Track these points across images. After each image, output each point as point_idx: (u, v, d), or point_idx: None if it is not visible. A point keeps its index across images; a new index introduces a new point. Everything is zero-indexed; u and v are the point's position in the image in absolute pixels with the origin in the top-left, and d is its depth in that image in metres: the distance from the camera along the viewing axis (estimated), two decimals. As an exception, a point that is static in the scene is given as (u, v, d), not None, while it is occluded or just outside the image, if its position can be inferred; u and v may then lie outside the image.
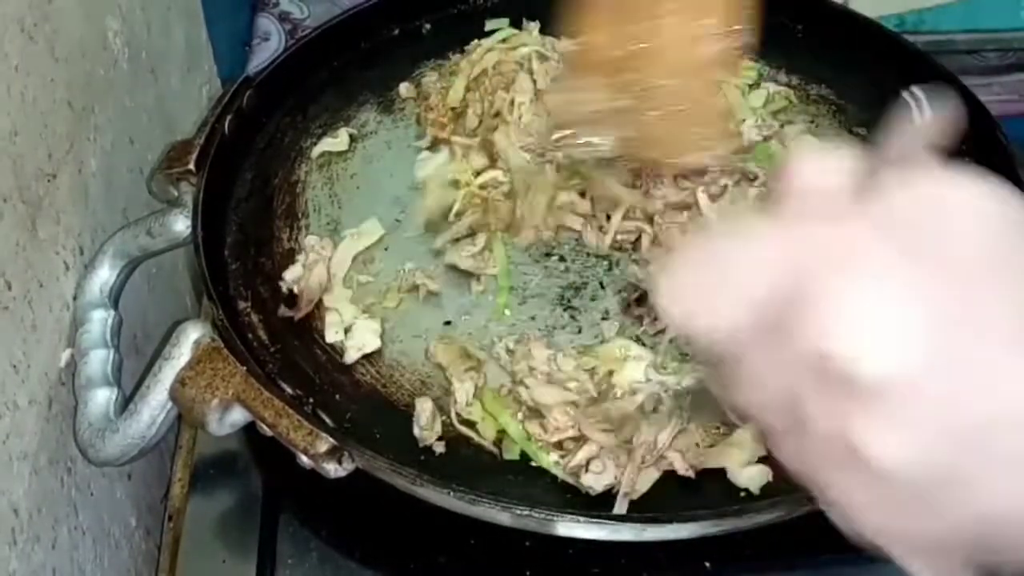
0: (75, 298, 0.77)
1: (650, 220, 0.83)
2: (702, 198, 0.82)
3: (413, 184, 0.91)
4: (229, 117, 0.90)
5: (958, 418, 0.33)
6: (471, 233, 0.85)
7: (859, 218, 0.35)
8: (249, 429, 0.72)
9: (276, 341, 0.81)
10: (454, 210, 0.87)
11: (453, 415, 0.75)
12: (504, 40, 1.01)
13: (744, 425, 0.70)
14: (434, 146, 0.95)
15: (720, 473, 0.72)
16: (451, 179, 0.89)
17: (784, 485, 0.69)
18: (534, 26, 1.02)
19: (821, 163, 0.37)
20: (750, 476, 0.71)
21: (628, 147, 0.77)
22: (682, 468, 0.72)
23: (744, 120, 0.93)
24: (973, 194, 0.34)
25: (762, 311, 0.36)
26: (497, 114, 0.93)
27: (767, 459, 0.71)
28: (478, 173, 0.88)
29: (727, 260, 0.37)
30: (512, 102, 0.93)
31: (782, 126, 0.93)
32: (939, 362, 0.33)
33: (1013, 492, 0.34)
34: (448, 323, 0.81)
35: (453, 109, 0.96)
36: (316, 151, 0.95)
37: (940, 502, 0.35)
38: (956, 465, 0.34)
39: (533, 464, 0.73)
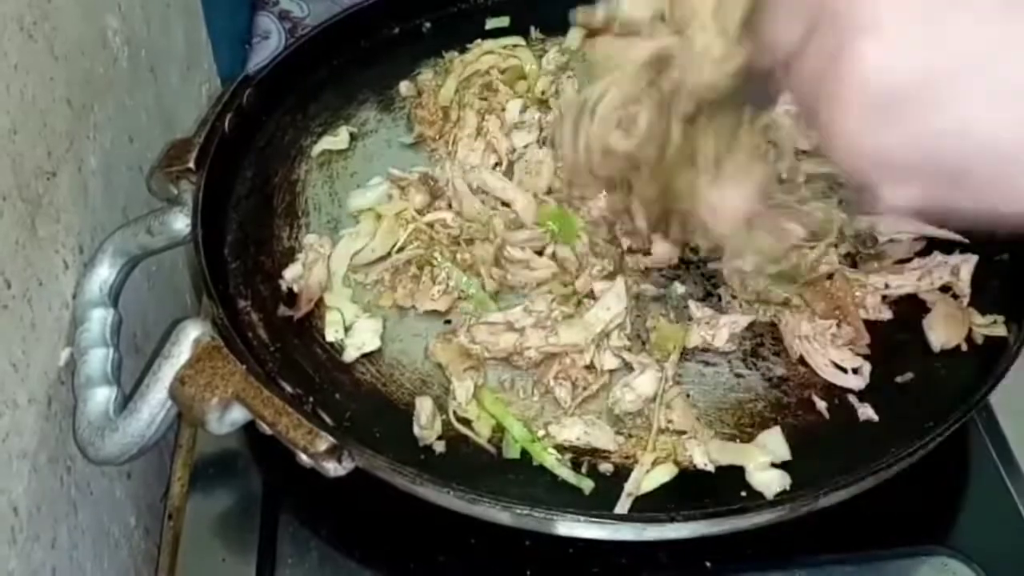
0: (75, 297, 0.77)
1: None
2: None
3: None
4: (229, 115, 0.90)
5: (931, 46, 0.39)
6: (412, 266, 0.84)
7: None
8: (249, 428, 0.72)
9: (276, 340, 0.81)
10: (397, 244, 0.85)
11: (451, 413, 0.75)
12: (505, 47, 1.01)
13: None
14: (419, 143, 0.95)
15: (724, 475, 0.72)
16: (394, 213, 0.86)
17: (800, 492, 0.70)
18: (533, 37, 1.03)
19: None
20: (767, 480, 0.71)
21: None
22: (701, 462, 0.72)
23: None
24: None
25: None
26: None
27: (786, 464, 0.72)
28: (421, 211, 0.86)
29: None
30: (454, 139, 0.93)
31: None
32: None
33: (967, 116, 0.40)
34: (448, 322, 0.81)
35: (444, 108, 0.96)
36: (316, 149, 0.95)
37: (908, 113, 0.40)
38: (924, 81, 0.40)
39: (533, 463, 0.73)
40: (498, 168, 0.90)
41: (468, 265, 0.83)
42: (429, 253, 0.84)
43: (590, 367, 0.77)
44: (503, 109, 0.95)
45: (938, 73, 0.39)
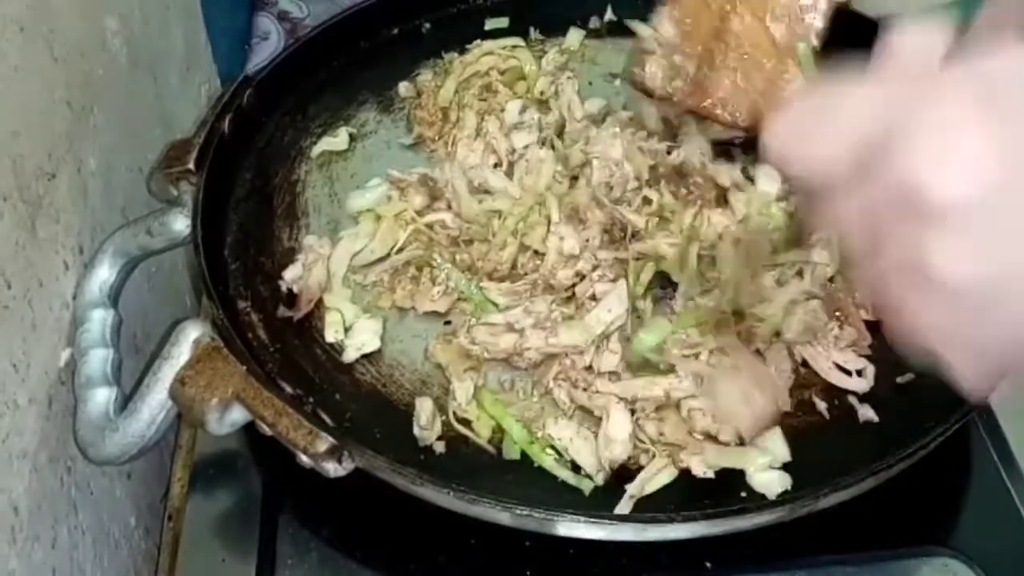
0: (75, 297, 0.77)
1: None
2: None
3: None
4: (229, 116, 0.90)
5: (1016, 243, 0.39)
6: (411, 267, 0.84)
7: (948, 76, 0.41)
8: (249, 429, 0.72)
9: (276, 340, 0.81)
10: (397, 245, 0.85)
11: (451, 414, 0.75)
12: (504, 47, 1.01)
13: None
14: (418, 144, 0.95)
15: (725, 476, 0.72)
16: (394, 214, 0.87)
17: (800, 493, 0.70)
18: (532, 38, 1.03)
19: (917, 31, 0.43)
20: (768, 481, 0.71)
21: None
22: (699, 471, 0.72)
23: None
24: None
25: (856, 151, 0.42)
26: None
27: (786, 465, 0.72)
28: (420, 212, 0.87)
29: (830, 107, 0.44)
30: (453, 139, 0.93)
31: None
32: (1005, 194, 0.38)
33: None
34: (448, 323, 0.81)
35: (443, 109, 0.96)
36: (316, 150, 0.95)
37: (993, 312, 0.41)
38: (1009, 280, 0.40)
39: (533, 464, 0.73)
40: (498, 168, 0.90)
41: (467, 266, 0.83)
42: (428, 254, 0.84)
43: (589, 368, 0.77)
44: (502, 110, 0.95)
45: (1015, 272, 0.40)
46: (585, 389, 0.75)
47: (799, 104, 0.46)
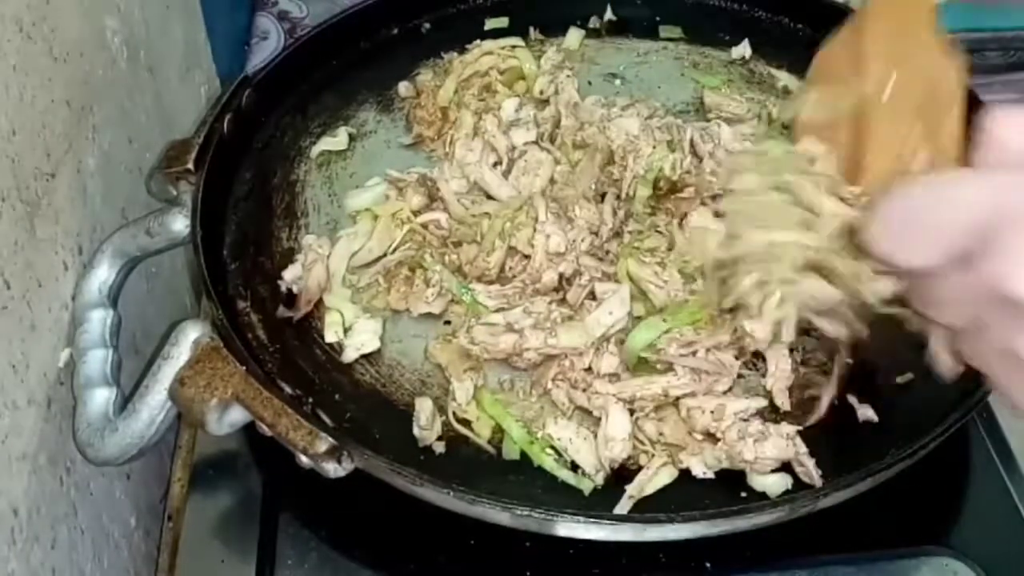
0: (74, 298, 0.77)
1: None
2: None
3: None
4: (228, 116, 0.90)
5: None
6: (404, 268, 0.83)
7: None
8: (249, 429, 0.72)
9: (275, 341, 0.81)
10: (392, 245, 0.85)
11: (451, 414, 0.75)
12: (504, 47, 1.01)
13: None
14: (418, 144, 0.95)
15: (725, 476, 0.72)
16: (390, 214, 0.86)
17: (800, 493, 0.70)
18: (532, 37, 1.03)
19: (1020, 119, 0.43)
20: (769, 482, 0.71)
21: None
22: (699, 472, 0.72)
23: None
24: None
25: (960, 244, 0.43)
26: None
27: (786, 465, 0.72)
28: (417, 212, 0.86)
29: (932, 201, 0.44)
30: (451, 139, 0.93)
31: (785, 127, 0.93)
32: None
33: None
34: (447, 323, 0.81)
35: (442, 109, 0.96)
36: (315, 150, 0.95)
37: None
38: None
39: (533, 464, 0.73)
40: (498, 167, 0.90)
41: (456, 267, 0.83)
42: (420, 255, 0.83)
43: (588, 369, 0.77)
44: (500, 108, 0.95)
45: None
46: (584, 390, 0.75)
47: (903, 195, 0.46)
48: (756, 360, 0.78)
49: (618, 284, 0.79)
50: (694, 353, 0.75)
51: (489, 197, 0.88)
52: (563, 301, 0.80)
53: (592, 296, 0.79)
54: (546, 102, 0.96)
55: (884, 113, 0.68)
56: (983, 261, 0.42)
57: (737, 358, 0.76)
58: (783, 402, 0.75)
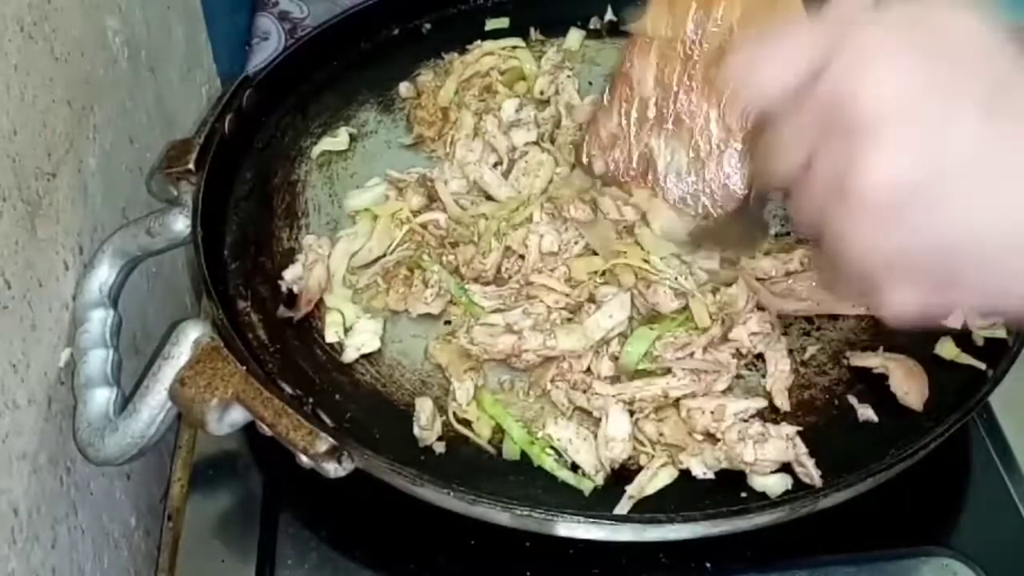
0: (74, 297, 0.77)
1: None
2: None
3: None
4: (229, 116, 0.90)
5: (930, 151, 0.43)
6: (403, 268, 0.83)
7: (879, 15, 0.46)
8: (249, 429, 0.72)
9: (276, 341, 0.81)
10: (391, 245, 0.85)
11: (451, 414, 0.75)
12: (505, 48, 1.01)
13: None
14: (418, 144, 0.95)
15: (725, 476, 0.72)
16: (390, 214, 0.86)
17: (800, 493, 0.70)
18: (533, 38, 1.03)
19: None
20: (769, 483, 0.71)
21: None
22: (699, 472, 0.72)
23: None
24: (966, 14, 0.45)
25: (797, 79, 0.47)
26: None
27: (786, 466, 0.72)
28: (416, 212, 0.86)
29: (779, 41, 0.49)
30: (451, 139, 0.93)
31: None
32: (922, 110, 0.43)
33: (957, 217, 0.44)
34: (448, 323, 0.81)
35: (443, 109, 0.96)
36: (316, 150, 0.95)
37: (908, 216, 0.45)
38: (920, 185, 0.44)
39: (533, 464, 0.73)
40: (499, 167, 0.90)
41: (453, 268, 0.83)
42: (418, 255, 0.83)
43: (588, 371, 0.76)
44: (500, 109, 0.95)
45: (932, 178, 0.44)
46: (584, 391, 0.75)
47: (754, 40, 0.51)
48: (757, 361, 0.78)
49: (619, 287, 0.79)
50: (691, 355, 0.75)
51: (489, 198, 0.88)
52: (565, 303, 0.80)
53: (591, 299, 0.79)
54: (546, 102, 0.96)
55: None
56: (817, 84, 0.46)
57: (735, 357, 0.76)
58: (783, 403, 0.75)
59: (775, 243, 0.83)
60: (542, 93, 0.97)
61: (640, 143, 0.82)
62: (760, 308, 0.79)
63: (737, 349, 0.77)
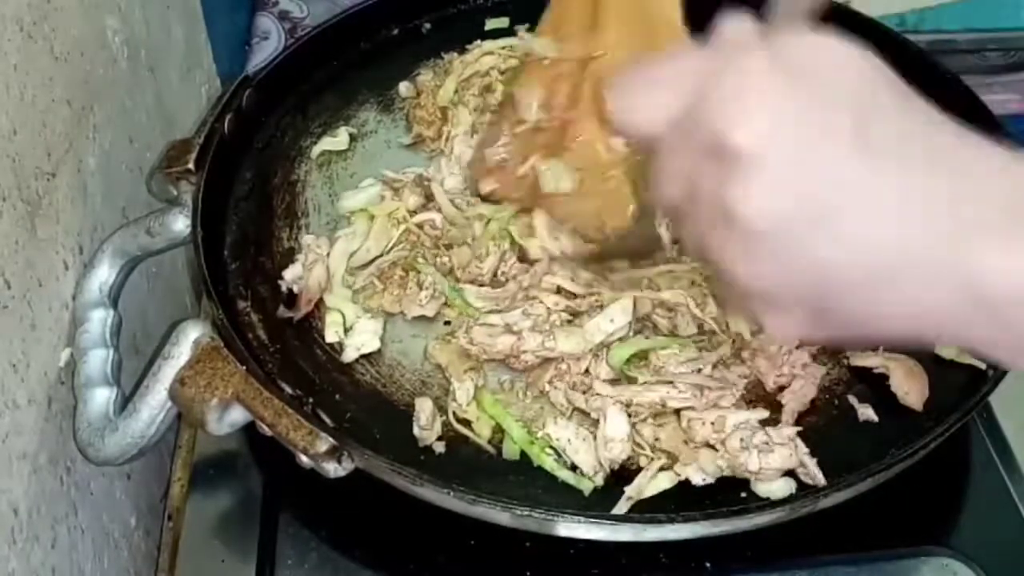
0: (74, 297, 0.77)
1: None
2: None
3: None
4: (229, 116, 0.90)
5: (800, 184, 0.44)
6: (398, 269, 0.83)
7: (756, 50, 0.46)
8: (249, 429, 0.72)
9: (276, 341, 0.81)
10: (388, 245, 0.85)
11: (451, 414, 0.75)
12: (505, 47, 1.01)
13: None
14: (418, 144, 0.95)
15: (726, 477, 0.72)
16: (387, 213, 0.86)
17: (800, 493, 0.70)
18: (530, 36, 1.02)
19: (735, 20, 0.49)
20: (775, 488, 0.71)
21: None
22: (698, 480, 0.71)
23: None
24: (846, 46, 0.46)
25: (675, 112, 0.47)
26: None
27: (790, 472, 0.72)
28: (413, 212, 0.86)
29: (656, 73, 0.50)
30: (447, 136, 0.93)
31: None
32: (795, 143, 0.44)
33: (836, 252, 0.45)
34: (447, 323, 0.81)
35: (442, 108, 0.96)
36: (316, 150, 0.95)
37: (783, 251, 0.45)
38: (796, 222, 0.44)
39: (533, 464, 0.73)
40: None
41: (448, 270, 0.83)
42: (413, 256, 0.83)
43: (586, 372, 0.76)
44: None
45: (803, 210, 0.44)
46: (584, 392, 0.75)
47: (633, 65, 0.51)
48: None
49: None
50: (699, 370, 0.75)
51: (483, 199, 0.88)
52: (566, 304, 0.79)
53: (600, 306, 0.79)
54: None
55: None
56: (692, 118, 0.46)
57: (743, 378, 0.76)
58: (788, 418, 0.74)
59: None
60: None
61: (526, 165, 0.82)
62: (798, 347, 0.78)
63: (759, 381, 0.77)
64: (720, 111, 0.45)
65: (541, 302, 0.78)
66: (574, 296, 0.79)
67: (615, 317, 0.77)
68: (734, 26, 0.49)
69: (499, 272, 0.82)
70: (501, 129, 0.84)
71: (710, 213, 0.47)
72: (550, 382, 0.76)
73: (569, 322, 0.78)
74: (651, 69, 0.50)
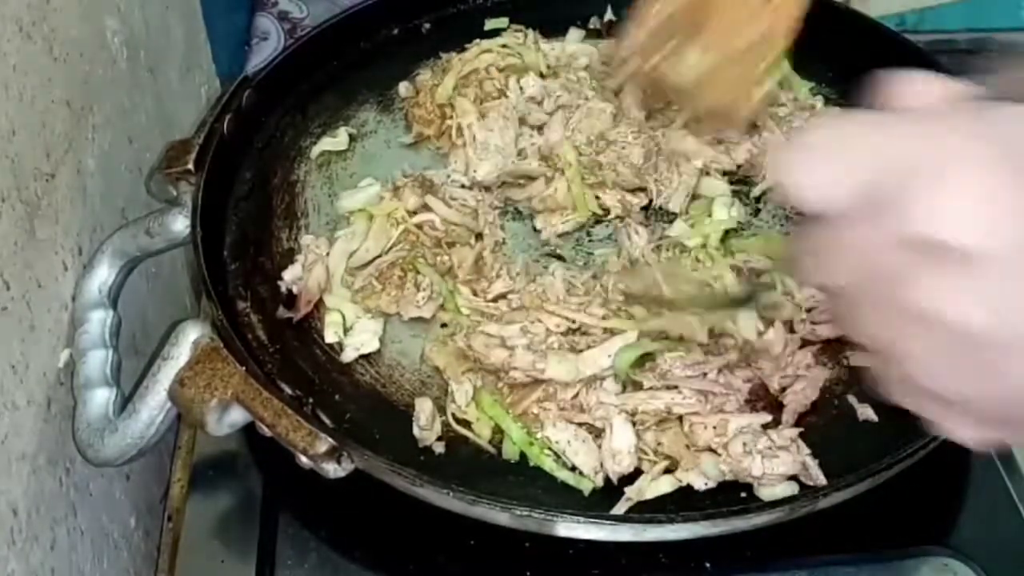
0: (74, 298, 0.77)
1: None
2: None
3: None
4: (228, 117, 0.90)
5: (1012, 302, 0.39)
6: (397, 269, 0.83)
7: (966, 126, 0.41)
8: (248, 429, 0.72)
9: (275, 341, 0.81)
10: (387, 245, 0.85)
11: (450, 415, 0.75)
12: (504, 45, 1.01)
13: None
14: (418, 143, 0.95)
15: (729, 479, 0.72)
16: (386, 214, 0.86)
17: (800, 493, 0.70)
18: (533, 35, 1.03)
19: (925, 77, 0.44)
20: (778, 491, 0.71)
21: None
22: (700, 485, 0.71)
23: None
24: None
25: (865, 190, 0.42)
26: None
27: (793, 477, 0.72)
28: (413, 212, 0.86)
29: (842, 140, 0.44)
30: (459, 127, 0.93)
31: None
32: (1013, 251, 0.39)
33: None
34: (444, 326, 0.81)
35: (441, 107, 0.96)
36: (315, 150, 0.95)
37: (979, 367, 0.41)
38: (1000, 340, 0.40)
39: (533, 464, 0.73)
40: (529, 133, 0.92)
41: (446, 269, 0.83)
42: (413, 256, 0.83)
43: (575, 398, 0.75)
44: (498, 94, 0.96)
45: (1009, 331, 0.40)
46: (584, 410, 0.74)
47: (811, 133, 0.46)
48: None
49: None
50: (703, 375, 0.75)
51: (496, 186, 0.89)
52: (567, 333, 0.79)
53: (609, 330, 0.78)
54: (556, 74, 0.98)
55: None
56: (897, 203, 0.41)
57: (747, 383, 0.76)
58: (789, 419, 0.74)
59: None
60: (549, 67, 0.98)
61: (665, 48, 0.82)
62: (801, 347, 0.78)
63: (765, 387, 0.76)
64: (933, 201, 0.40)
65: (541, 321, 0.78)
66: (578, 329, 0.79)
67: (612, 352, 0.75)
68: (930, 89, 0.44)
69: (507, 296, 0.82)
70: (646, 10, 0.82)
71: (896, 305, 0.42)
72: (538, 403, 0.75)
73: (571, 349, 0.76)
74: (838, 131, 0.45)
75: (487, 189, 0.89)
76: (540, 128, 0.93)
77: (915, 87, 0.44)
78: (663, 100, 0.88)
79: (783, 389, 0.76)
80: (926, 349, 0.42)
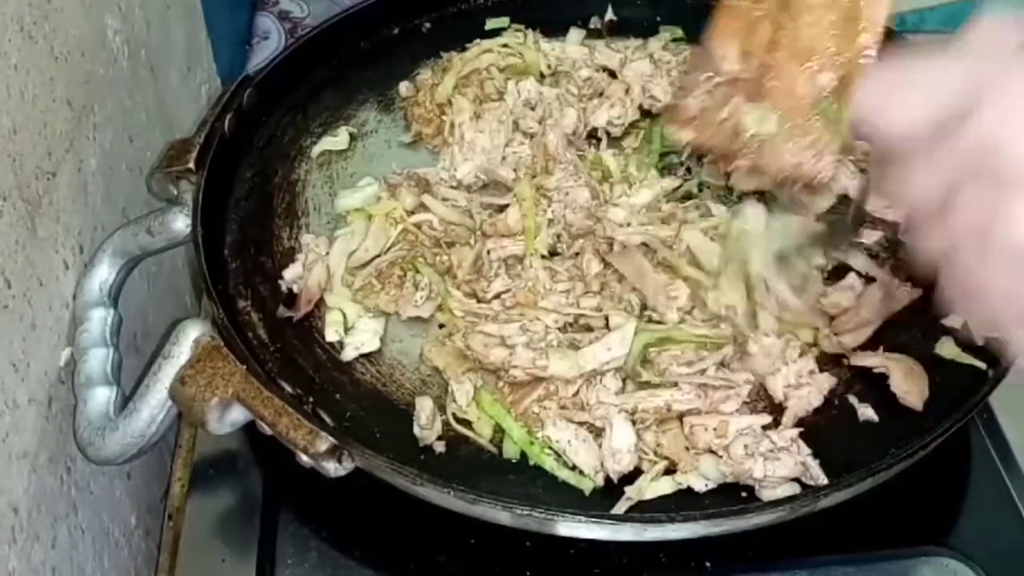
0: (75, 297, 0.77)
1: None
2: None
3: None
4: (229, 116, 0.90)
5: None
6: (396, 269, 0.83)
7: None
8: (249, 428, 0.72)
9: (276, 340, 0.81)
10: (386, 245, 0.85)
11: (450, 414, 0.75)
12: (505, 45, 1.01)
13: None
14: (417, 142, 0.95)
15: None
16: (384, 213, 0.86)
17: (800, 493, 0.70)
18: (533, 35, 1.03)
19: (995, 20, 0.47)
20: (779, 493, 0.70)
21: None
22: (700, 486, 0.71)
23: None
24: None
25: (937, 117, 0.45)
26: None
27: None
28: (410, 212, 0.86)
29: (914, 75, 0.47)
30: (451, 125, 0.93)
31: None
32: None
33: None
34: (442, 326, 0.81)
35: (440, 106, 0.96)
36: (316, 150, 0.95)
37: None
38: None
39: (533, 464, 0.73)
40: (518, 138, 0.92)
41: (445, 269, 0.83)
42: (412, 255, 0.83)
43: (576, 395, 0.75)
44: (497, 96, 0.95)
45: None
46: (583, 408, 0.74)
47: (884, 71, 0.49)
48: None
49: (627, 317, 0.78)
50: (703, 371, 0.75)
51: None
52: (565, 328, 0.79)
53: (607, 325, 0.78)
54: (555, 75, 0.98)
55: None
56: (966, 129, 0.44)
57: (748, 383, 0.76)
58: (788, 421, 0.74)
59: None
60: (549, 67, 0.98)
61: (727, 108, 0.77)
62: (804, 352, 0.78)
63: (769, 398, 0.76)
64: (994, 126, 0.43)
65: (540, 319, 0.78)
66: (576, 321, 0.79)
67: (613, 347, 0.75)
68: (997, 27, 0.47)
69: (502, 296, 0.82)
70: (696, 79, 0.79)
71: (971, 228, 0.45)
72: (538, 401, 0.75)
73: (570, 345, 0.76)
74: (908, 71, 0.48)
75: (468, 189, 0.90)
76: (532, 136, 0.93)
77: (983, 28, 0.47)
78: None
79: (786, 398, 0.76)
80: (998, 265, 0.44)
